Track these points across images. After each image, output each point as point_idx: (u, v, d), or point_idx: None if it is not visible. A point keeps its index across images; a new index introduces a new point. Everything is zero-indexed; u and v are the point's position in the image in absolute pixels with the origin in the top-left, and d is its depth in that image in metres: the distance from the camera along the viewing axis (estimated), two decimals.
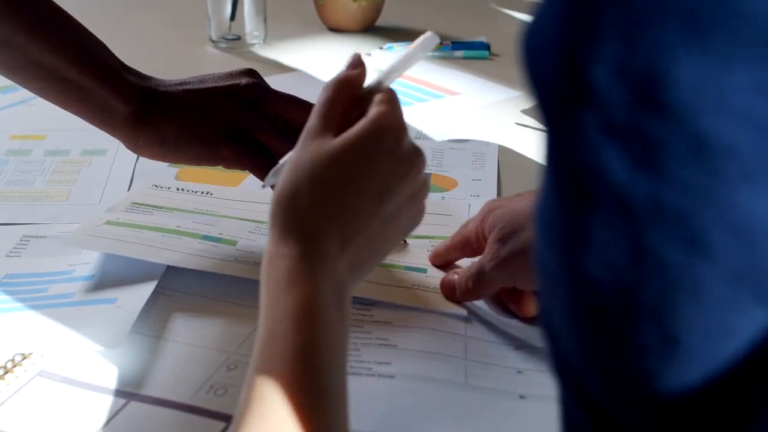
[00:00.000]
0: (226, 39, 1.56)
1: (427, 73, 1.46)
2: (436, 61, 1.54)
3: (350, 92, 0.62)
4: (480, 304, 0.78)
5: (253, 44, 1.56)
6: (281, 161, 0.71)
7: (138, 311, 0.74)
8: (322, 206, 0.55)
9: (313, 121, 0.59)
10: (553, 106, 0.32)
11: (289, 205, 0.55)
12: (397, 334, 0.74)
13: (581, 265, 0.31)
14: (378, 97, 0.60)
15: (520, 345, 0.74)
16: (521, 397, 0.67)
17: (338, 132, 0.58)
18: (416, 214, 0.62)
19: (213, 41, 1.57)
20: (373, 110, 0.58)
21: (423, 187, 0.61)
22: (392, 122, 0.58)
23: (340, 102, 0.61)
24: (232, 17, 1.54)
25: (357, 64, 0.64)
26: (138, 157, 1.08)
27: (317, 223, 0.54)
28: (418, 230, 0.89)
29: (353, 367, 0.69)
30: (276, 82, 1.44)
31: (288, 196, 0.55)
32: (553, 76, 0.31)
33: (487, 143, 1.17)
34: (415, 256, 0.86)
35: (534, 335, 0.75)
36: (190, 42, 1.60)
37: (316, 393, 0.47)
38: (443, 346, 0.72)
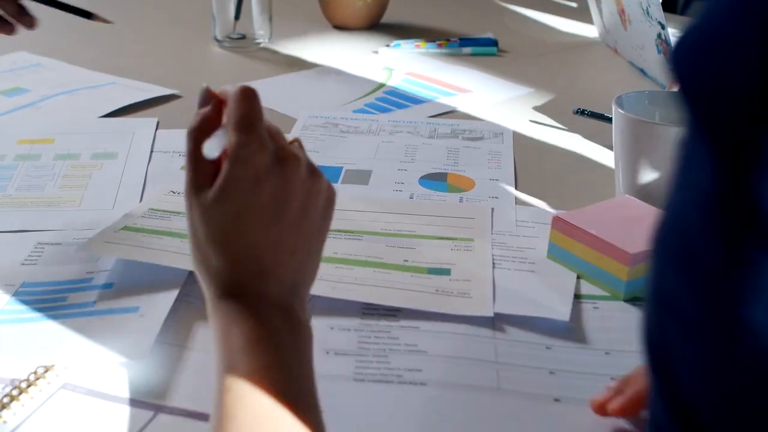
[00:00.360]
0: (231, 38, 1.54)
1: (437, 70, 1.45)
2: (444, 58, 1.52)
3: (207, 134, 0.57)
4: (506, 306, 0.76)
5: (259, 43, 1.55)
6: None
7: (162, 320, 0.72)
8: (228, 256, 0.55)
9: (188, 175, 0.56)
10: (737, 128, 0.28)
11: (201, 266, 0.57)
12: (425, 340, 0.72)
13: (742, 310, 0.29)
14: (231, 133, 0.56)
15: (550, 345, 0.72)
16: (556, 400, 0.66)
17: (215, 174, 0.56)
18: (324, 198, 0.59)
19: (218, 41, 1.55)
20: (232, 143, 0.55)
21: (312, 178, 0.58)
22: (247, 154, 0.54)
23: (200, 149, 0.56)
24: (237, 16, 1.52)
25: (205, 101, 0.60)
26: (150, 160, 1.06)
27: (233, 274, 0.55)
28: (443, 233, 0.89)
29: (383, 374, 0.68)
30: (283, 81, 1.44)
31: (197, 258, 0.57)
32: (749, 92, 0.28)
33: (502, 141, 1.15)
34: (439, 255, 0.84)
35: (562, 334, 0.74)
36: (195, 42, 1.59)
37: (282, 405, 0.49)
38: (473, 350, 0.71)
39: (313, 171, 0.58)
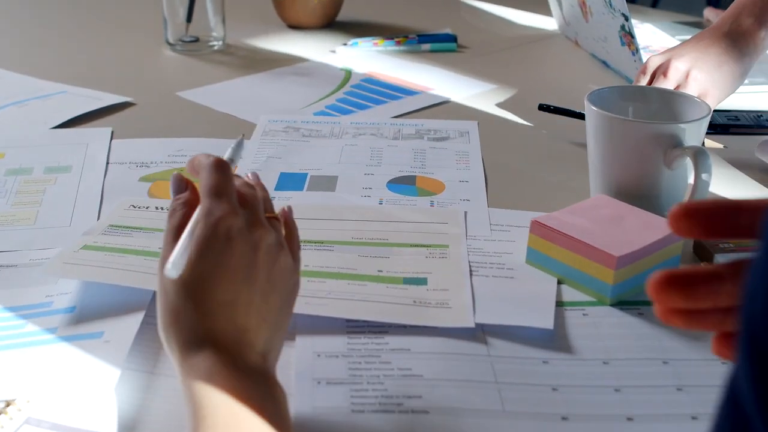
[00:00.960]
0: (184, 41, 1.50)
1: (397, 68, 1.42)
2: (403, 55, 1.49)
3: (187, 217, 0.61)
4: (487, 316, 0.74)
5: (213, 46, 1.50)
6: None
7: (129, 345, 0.68)
8: (201, 309, 0.56)
9: (163, 250, 0.59)
10: None
11: (170, 327, 0.57)
12: (419, 363, 0.69)
13: None
14: (203, 199, 0.60)
15: (546, 359, 0.70)
16: (564, 418, 0.63)
17: None
18: (292, 281, 0.61)
19: (170, 44, 1.50)
20: (203, 207, 0.59)
21: (281, 253, 0.60)
22: (218, 217, 0.58)
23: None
24: (189, 18, 1.48)
25: (179, 188, 0.64)
26: (106, 173, 1.02)
27: (207, 328, 0.56)
28: (416, 240, 0.86)
29: (381, 403, 0.64)
30: (239, 85, 1.40)
31: (166, 321, 0.57)
32: None
33: (468, 141, 1.13)
34: (414, 264, 0.82)
35: (556, 346, 0.71)
36: (148, 46, 1.54)
37: None
38: (470, 371, 0.68)
39: (283, 248, 0.60)
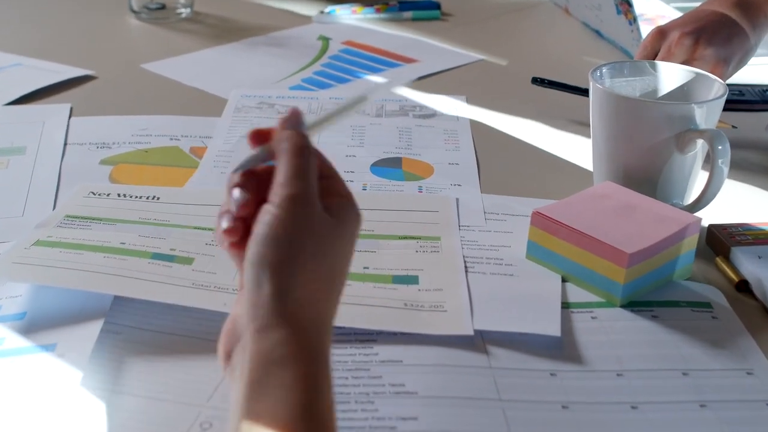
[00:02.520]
0: (149, 9, 1.41)
1: (379, 39, 1.34)
2: (384, 24, 1.41)
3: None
4: (486, 321, 0.66)
5: (180, 13, 1.42)
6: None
7: (86, 359, 0.60)
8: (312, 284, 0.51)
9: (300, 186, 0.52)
10: None
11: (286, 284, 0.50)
12: (412, 378, 0.61)
13: None
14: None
15: (554, 370, 0.62)
16: None
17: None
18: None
19: (135, 12, 1.42)
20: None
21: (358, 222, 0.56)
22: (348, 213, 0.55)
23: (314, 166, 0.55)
24: None
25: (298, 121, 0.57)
26: (63, 155, 0.94)
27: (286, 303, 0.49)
28: (405, 231, 0.78)
29: (373, 427, 0.57)
30: (209, 56, 1.31)
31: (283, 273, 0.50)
32: None
33: (457, 117, 1.05)
34: (403, 260, 0.74)
35: (565, 355, 0.64)
36: (110, 14, 1.44)
37: None
38: (471, 387, 0.61)
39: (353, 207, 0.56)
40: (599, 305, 0.70)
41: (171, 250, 0.73)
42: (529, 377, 0.62)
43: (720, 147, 0.75)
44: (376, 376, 0.61)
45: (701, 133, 0.76)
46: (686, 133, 0.76)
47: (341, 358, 0.63)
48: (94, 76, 1.17)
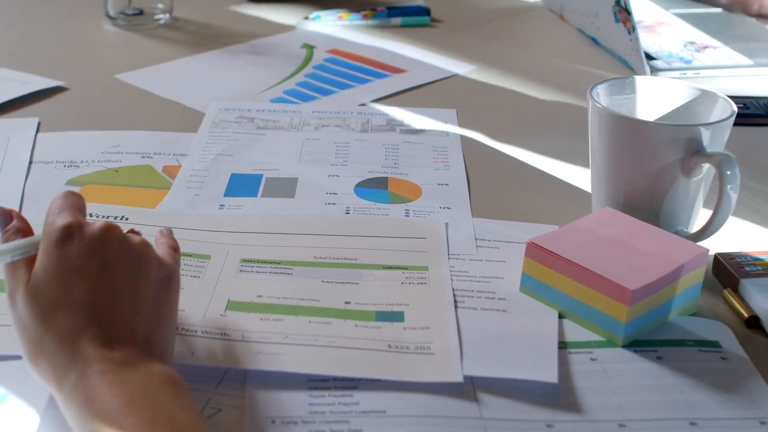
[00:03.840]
0: (126, 14, 1.35)
1: (365, 47, 1.28)
2: (371, 31, 1.36)
3: None
4: (477, 366, 0.61)
5: (159, 19, 1.36)
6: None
7: (40, 413, 0.55)
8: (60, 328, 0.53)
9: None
10: None
11: (39, 357, 0.53)
12: (398, 431, 0.56)
13: None
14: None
15: (551, 421, 0.57)
16: None
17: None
18: (162, 271, 0.57)
19: (111, 17, 1.36)
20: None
21: (142, 243, 0.57)
22: (51, 223, 0.56)
23: None
24: None
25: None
26: (28, 173, 0.88)
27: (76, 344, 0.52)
28: (390, 260, 0.73)
29: None
30: (188, 65, 1.25)
31: (30, 348, 0.54)
32: None
33: (447, 133, 0.99)
34: (388, 293, 0.69)
35: (562, 403, 0.58)
36: (84, 20, 1.39)
37: None
38: None
39: (140, 240, 0.57)
40: (599, 345, 0.64)
41: None
42: (524, 429, 0.57)
43: (729, 172, 0.69)
44: (356, 429, 0.56)
45: (709, 157, 0.70)
46: (693, 156, 0.71)
47: (319, 408, 0.58)
48: (65, 88, 1.11)
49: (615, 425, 0.57)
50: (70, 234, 0.54)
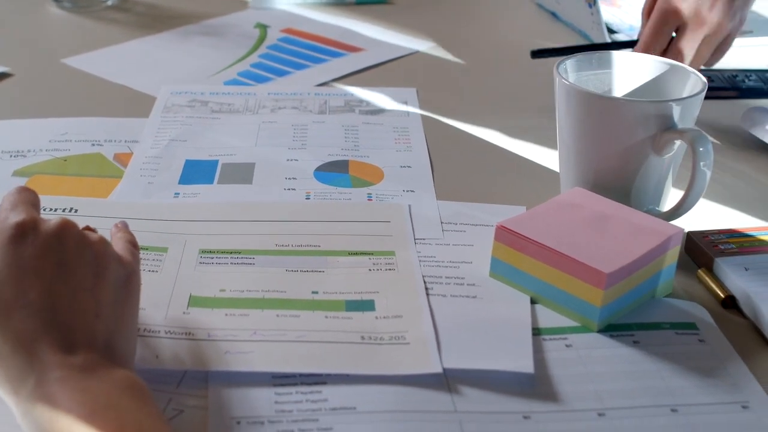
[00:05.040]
0: None
1: (321, 26, 1.25)
2: (327, 9, 1.32)
3: None
4: (457, 359, 0.59)
5: (106, 1, 1.32)
6: None
7: None
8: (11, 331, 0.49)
9: None
10: None
11: None
12: (369, 427, 0.53)
13: None
14: None
15: (528, 413, 0.55)
16: None
17: None
18: (121, 272, 0.54)
19: (56, 0, 1.31)
20: None
21: (100, 242, 0.54)
22: None
23: None
24: None
25: None
26: None
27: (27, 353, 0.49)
28: (355, 245, 0.70)
29: None
30: (137, 48, 1.21)
31: None
32: None
33: (408, 113, 0.97)
34: (356, 281, 0.66)
35: (538, 393, 0.56)
36: (29, 2, 1.34)
37: None
38: None
39: (98, 238, 0.54)
40: (573, 330, 0.62)
41: None
42: (500, 421, 0.54)
43: (701, 148, 0.67)
44: (326, 428, 0.53)
45: (681, 134, 0.68)
46: (664, 133, 0.69)
47: (286, 406, 0.55)
48: (9, 74, 1.07)
49: (594, 414, 0.55)
50: (24, 232, 0.51)
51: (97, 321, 0.51)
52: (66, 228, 0.53)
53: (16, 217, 0.52)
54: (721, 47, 0.97)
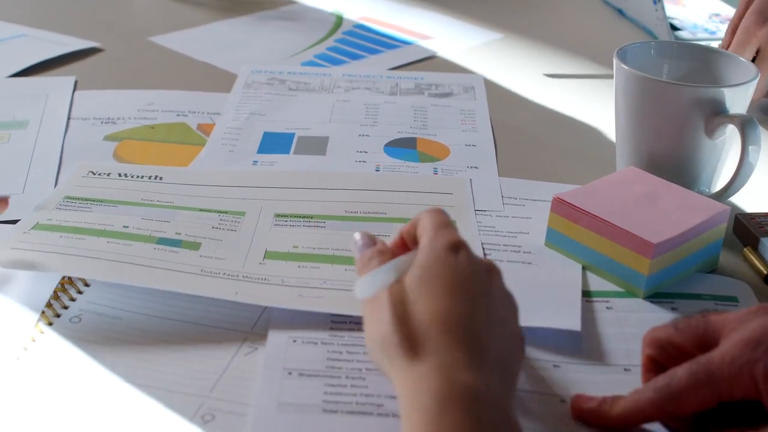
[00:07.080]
0: None
1: (394, 13, 1.30)
2: None
3: None
4: None
5: None
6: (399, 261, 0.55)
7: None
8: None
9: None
10: None
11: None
12: None
13: None
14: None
15: (558, 362, 0.59)
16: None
17: None
18: (509, 296, 0.55)
19: None
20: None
21: (493, 270, 0.55)
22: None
23: None
24: None
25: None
26: (66, 129, 0.91)
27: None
28: (417, 212, 0.75)
29: (360, 403, 0.54)
30: (219, 30, 1.26)
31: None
32: None
33: (474, 97, 1.01)
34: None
35: (571, 347, 0.60)
36: None
37: None
38: None
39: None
40: (617, 294, 0.66)
41: (176, 234, 0.70)
42: (532, 368, 0.59)
43: (751, 133, 0.71)
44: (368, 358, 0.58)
45: (731, 118, 0.72)
46: (716, 117, 0.73)
47: (339, 333, 0.60)
48: (100, 49, 1.14)
49: (621, 369, 0.59)
50: (458, 248, 0.53)
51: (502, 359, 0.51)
52: (496, 269, 0.54)
53: (452, 235, 0.54)
54: None
